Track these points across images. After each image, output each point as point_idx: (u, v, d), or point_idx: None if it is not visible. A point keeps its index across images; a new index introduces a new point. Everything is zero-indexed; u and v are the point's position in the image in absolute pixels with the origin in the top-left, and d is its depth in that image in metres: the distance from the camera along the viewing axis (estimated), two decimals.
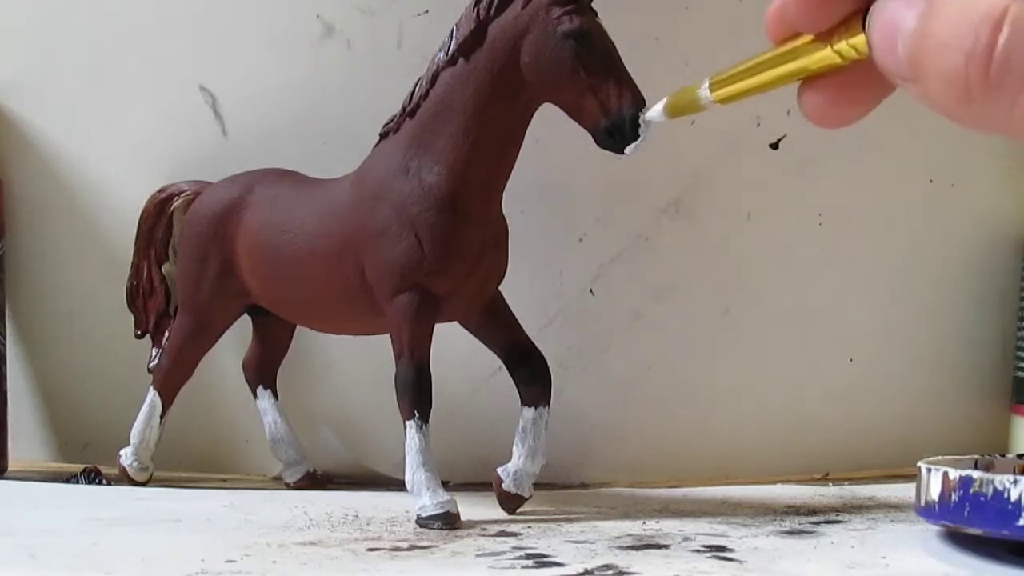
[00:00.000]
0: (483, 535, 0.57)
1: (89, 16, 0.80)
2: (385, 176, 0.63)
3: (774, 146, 0.76)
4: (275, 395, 0.75)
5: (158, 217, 0.75)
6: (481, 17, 0.59)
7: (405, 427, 0.61)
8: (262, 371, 0.75)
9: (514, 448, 0.64)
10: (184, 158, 0.77)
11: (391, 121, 0.65)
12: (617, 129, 0.56)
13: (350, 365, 0.77)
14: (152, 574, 0.50)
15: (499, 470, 0.64)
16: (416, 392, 0.61)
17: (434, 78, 0.61)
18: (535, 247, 0.74)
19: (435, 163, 0.61)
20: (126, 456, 0.74)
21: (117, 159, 0.79)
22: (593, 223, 0.75)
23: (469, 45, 0.60)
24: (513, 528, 0.60)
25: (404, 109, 0.63)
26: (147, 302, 0.76)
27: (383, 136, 0.65)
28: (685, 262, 0.76)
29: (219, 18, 0.77)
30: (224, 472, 0.80)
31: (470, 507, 0.63)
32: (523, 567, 0.50)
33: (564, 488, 0.74)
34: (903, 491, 0.67)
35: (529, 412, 0.63)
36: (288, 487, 0.74)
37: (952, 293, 0.80)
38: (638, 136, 0.56)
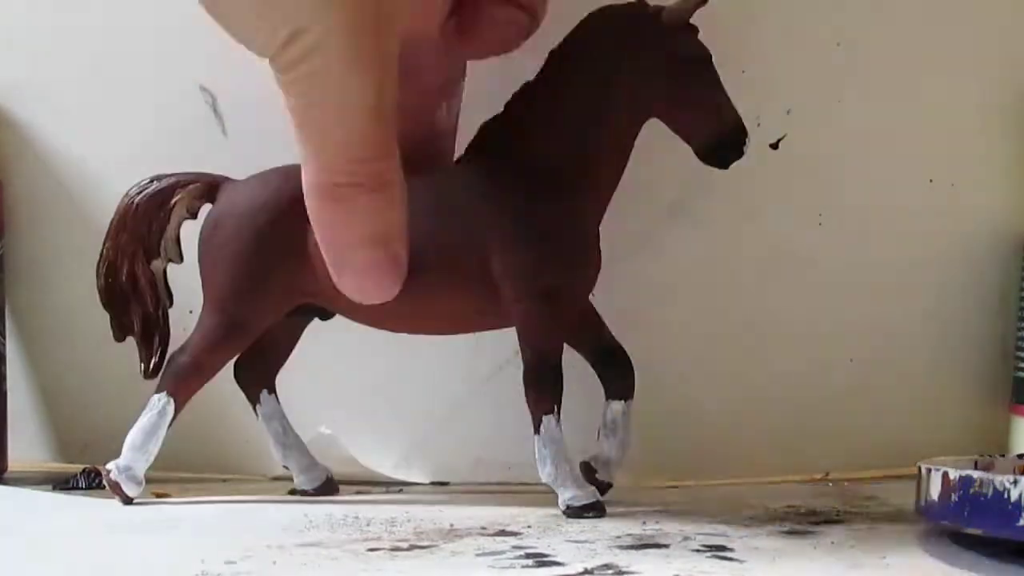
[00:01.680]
0: (483, 535, 0.58)
1: (89, 16, 0.80)
2: (505, 175, 0.65)
3: (774, 146, 0.76)
4: (278, 399, 0.73)
5: (156, 211, 0.70)
6: (601, 34, 0.64)
7: (541, 422, 0.63)
8: (265, 373, 0.72)
9: (603, 440, 0.67)
10: (184, 157, 0.76)
11: (496, 120, 0.66)
12: (731, 144, 0.62)
13: (349, 364, 0.77)
14: None
15: (591, 461, 0.67)
16: (554, 387, 0.63)
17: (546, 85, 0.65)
18: None
19: (560, 168, 0.64)
20: (118, 470, 0.68)
21: (117, 159, 0.79)
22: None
23: (588, 59, 0.64)
24: (513, 528, 0.60)
25: (512, 113, 0.66)
26: (128, 304, 0.70)
27: (489, 132, 0.67)
28: (686, 262, 0.77)
29: None
30: (224, 472, 0.80)
31: (470, 507, 0.63)
32: (523, 567, 0.50)
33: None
34: (903, 491, 0.67)
35: (618, 405, 0.66)
36: (307, 494, 0.71)
37: (952, 293, 0.80)
38: (743, 153, 0.63)
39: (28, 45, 0.80)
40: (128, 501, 0.67)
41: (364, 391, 0.77)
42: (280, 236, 0.66)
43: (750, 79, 0.73)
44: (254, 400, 0.73)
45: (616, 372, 0.67)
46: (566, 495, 0.63)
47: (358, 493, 0.72)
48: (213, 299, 0.68)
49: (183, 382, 0.68)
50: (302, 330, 0.72)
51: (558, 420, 0.63)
